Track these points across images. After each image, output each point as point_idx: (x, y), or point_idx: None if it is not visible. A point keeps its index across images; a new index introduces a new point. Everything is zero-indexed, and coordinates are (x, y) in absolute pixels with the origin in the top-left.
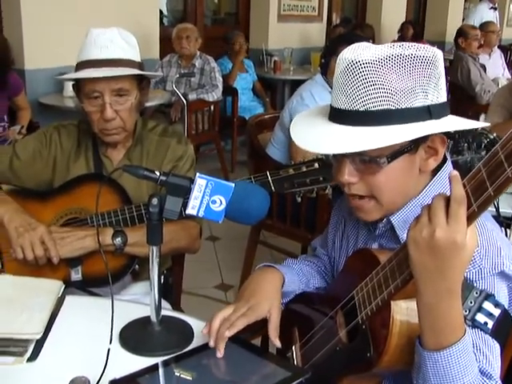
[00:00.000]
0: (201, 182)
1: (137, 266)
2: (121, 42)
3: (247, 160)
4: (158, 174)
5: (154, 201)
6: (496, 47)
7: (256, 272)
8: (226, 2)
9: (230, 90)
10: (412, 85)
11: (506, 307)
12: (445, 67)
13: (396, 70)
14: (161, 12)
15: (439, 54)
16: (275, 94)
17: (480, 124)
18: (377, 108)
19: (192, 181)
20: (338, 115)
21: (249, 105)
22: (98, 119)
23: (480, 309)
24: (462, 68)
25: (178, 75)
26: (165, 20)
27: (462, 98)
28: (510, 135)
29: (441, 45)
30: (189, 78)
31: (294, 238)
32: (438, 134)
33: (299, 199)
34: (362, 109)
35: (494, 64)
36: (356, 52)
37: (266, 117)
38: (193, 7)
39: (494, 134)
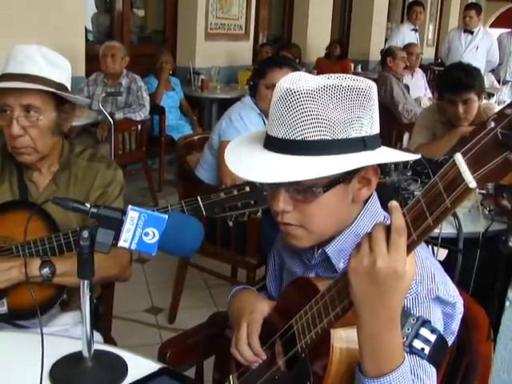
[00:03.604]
0: (133, 214)
1: (65, 296)
2: (38, 60)
3: (176, 181)
4: (88, 206)
5: (85, 233)
6: (418, 68)
7: (233, 297)
8: (152, 18)
9: (157, 109)
10: (348, 116)
11: (442, 332)
12: None
13: (333, 100)
14: (86, 28)
15: (374, 86)
16: (203, 112)
17: (411, 156)
18: (313, 138)
19: (124, 213)
20: (274, 144)
21: (176, 123)
22: (8, 135)
23: (417, 335)
24: (385, 87)
25: (104, 94)
26: (90, 36)
27: (385, 118)
28: (448, 167)
29: (365, 63)
30: (115, 97)
31: (223, 259)
32: (372, 164)
33: (231, 223)
34: (298, 138)
35: (416, 84)
36: (293, 81)
37: (194, 138)
38: (119, 23)
39: (419, 155)
